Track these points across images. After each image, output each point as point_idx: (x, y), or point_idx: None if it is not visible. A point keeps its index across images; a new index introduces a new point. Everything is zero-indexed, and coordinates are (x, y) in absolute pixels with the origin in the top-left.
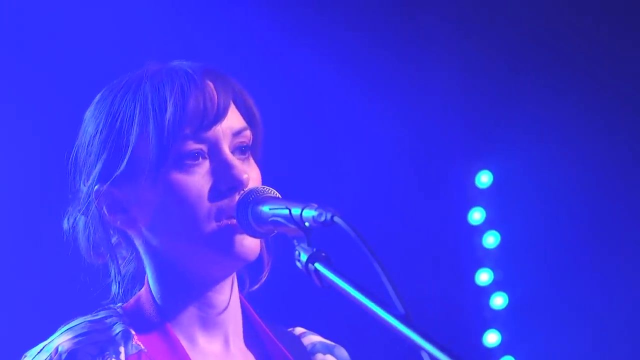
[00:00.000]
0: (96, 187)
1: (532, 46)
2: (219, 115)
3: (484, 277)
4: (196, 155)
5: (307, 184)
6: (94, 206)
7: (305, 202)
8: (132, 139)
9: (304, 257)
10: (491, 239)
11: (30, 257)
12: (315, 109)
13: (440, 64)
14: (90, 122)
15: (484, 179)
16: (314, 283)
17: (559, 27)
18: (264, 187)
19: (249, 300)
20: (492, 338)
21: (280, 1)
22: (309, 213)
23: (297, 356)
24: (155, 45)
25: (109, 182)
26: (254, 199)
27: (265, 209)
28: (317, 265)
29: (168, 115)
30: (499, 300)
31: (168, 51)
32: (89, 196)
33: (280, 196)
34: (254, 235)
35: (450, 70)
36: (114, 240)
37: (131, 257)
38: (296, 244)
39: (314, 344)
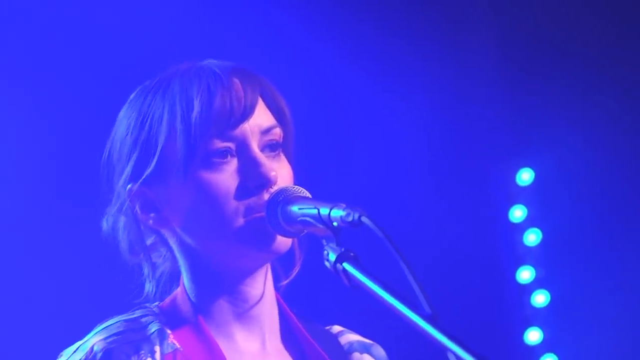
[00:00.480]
0: (128, 186)
1: (575, 43)
2: (246, 113)
3: (525, 274)
4: (224, 154)
5: (345, 182)
6: (127, 206)
7: (333, 202)
8: (161, 138)
9: (332, 257)
10: (532, 237)
11: (68, 256)
12: (354, 107)
13: (482, 60)
14: (122, 122)
15: (525, 176)
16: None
17: (601, 23)
18: (293, 187)
19: (289, 298)
20: (533, 336)
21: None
22: (337, 213)
23: (333, 355)
24: (185, 43)
25: (139, 182)
26: (283, 198)
27: (295, 208)
28: (346, 265)
29: (195, 114)
30: (540, 298)
31: (197, 50)
32: (122, 196)
33: (310, 196)
34: (283, 234)
35: (491, 67)
36: (149, 239)
37: (166, 257)
38: (325, 243)
39: (351, 343)
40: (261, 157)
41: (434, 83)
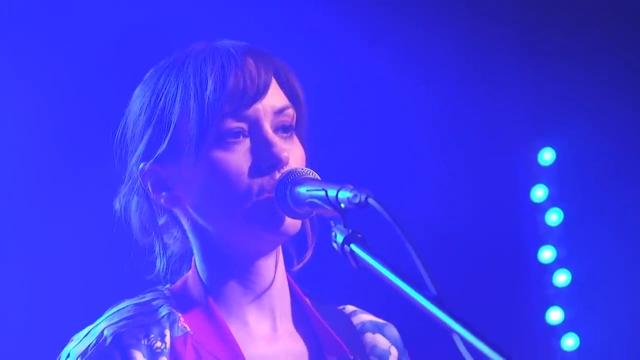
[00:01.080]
0: (141, 165)
1: (598, 23)
2: (259, 93)
3: (546, 254)
4: (237, 134)
5: (363, 165)
6: (139, 184)
7: (341, 184)
8: (174, 117)
9: (340, 239)
10: (554, 216)
11: (78, 239)
12: (373, 89)
13: (504, 40)
14: (136, 101)
15: (547, 156)
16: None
17: (624, 4)
18: (302, 168)
19: (303, 278)
20: (555, 315)
21: None
22: (344, 194)
23: (345, 335)
24: (198, 25)
25: (152, 160)
26: (292, 180)
27: (303, 190)
28: (353, 247)
29: (208, 93)
30: (562, 278)
31: (211, 31)
32: (134, 174)
33: (318, 177)
34: (292, 216)
35: (513, 47)
36: (161, 219)
37: (177, 237)
38: (333, 225)
39: (363, 323)
40: (273, 137)
41: (455, 64)
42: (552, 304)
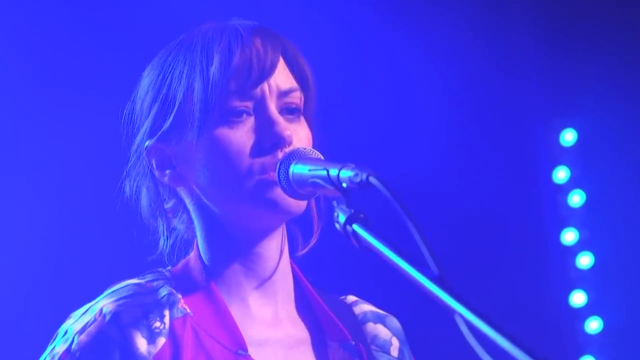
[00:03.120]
0: (146, 142)
1: (619, 1)
2: (266, 72)
3: (569, 236)
4: (241, 112)
5: (383, 146)
6: (144, 162)
7: (343, 163)
8: (180, 94)
9: (342, 219)
10: (576, 198)
11: (80, 218)
12: (387, 69)
13: (524, 19)
14: (145, 80)
15: (569, 137)
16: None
17: None
18: (305, 148)
19: (303, 267)
20: (578, 298)
21: None
22: (346, 174)
23: (347, 324)
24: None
25: (156, 137)
26: (294, 160)
27: (305, 170)
28: (355, 227)
29: (213, 70)
30: (585, 260)
31: (220, 11)
32: (140, 152)
33: (322, 157)
34: (295, 197)
35: (534, 26)
36: (168, 203)
37: (183, 220)
38: (335, 205)
39: (365, 313)
40: (277, 116)
41: (477, 43)
42: (575, 287)
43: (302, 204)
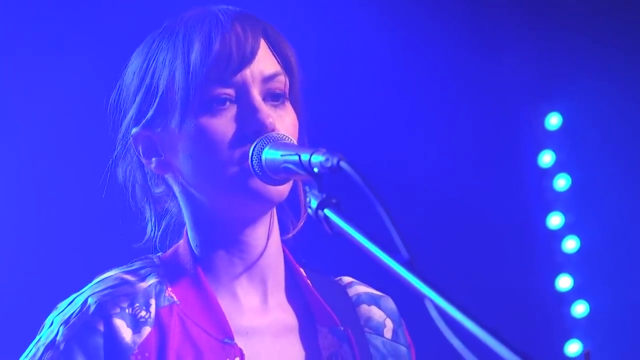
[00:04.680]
0: (133, 130)
1: None
2: (246, 59)
3: (555, 220)
4: (223, 100)
5: (366, 131)
6: (131, 149)
7: (315, 148)
8: (162, 82)
9: (314, 204)
10: (562, 182)
11: (66, 208)
12: (371, 52)
13: (508, 2)
14: (130, 67)
15: (554, 120)
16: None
17: None
18: (278, 134)
19: (298, 249)
20: (564, 282)
21: None
22: (317, 158)
23: (340, 307)
24: None
25: (142, 125)
26: (266, 145)
27: (277, 155)
28: (327, 212)
29: (194, 58)
30: (571, 244)
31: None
32: (126, 138)
33: (295, 142)
34: (269, 182)
35: (519, 11)
36: (158, 189)
37: (174, 203)
38: (308, 190)
39: (359, 295)
40: (260, 103)
41: (458, 27)
42: (562, 271)
43: (284, 192)
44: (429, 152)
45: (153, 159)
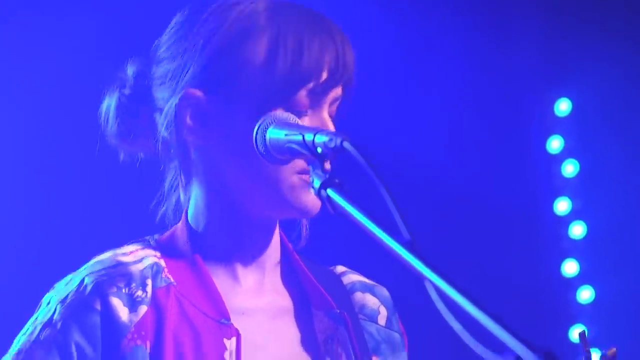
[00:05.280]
0: (194, 91)
1: None
2: (338, 82)
3: (562, 206)
4: (300, 113)
5: (375, 117)
6: (175, 109)
7: (319, 128)
8: (257, 58)
9: (317, 183)
10: (570, 168)
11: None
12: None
13: None
14: (208, 20)
15: (563, 106)
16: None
17: None
18: (283, 113)
19: (292, 238)
20: (570, 268)
21: None
22: (321, 139)
23: (335, 293)
24: None
25: (202, 88)
26: (271, 124)
27: (281, 135)
28: (330, 192)
29: (305, 58)
30: (578, 230)
31: None
32: (175, 95)
33: (299, 122)
34: (274, 162)
35: None
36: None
37: (175, 188)
38: (311, 170)
39: (353, 283)
40: (329, 125)
41: (469, 12)
42: (568, 256)
43: (318, 207)
44: (438, 137)
45: (199, 126)
